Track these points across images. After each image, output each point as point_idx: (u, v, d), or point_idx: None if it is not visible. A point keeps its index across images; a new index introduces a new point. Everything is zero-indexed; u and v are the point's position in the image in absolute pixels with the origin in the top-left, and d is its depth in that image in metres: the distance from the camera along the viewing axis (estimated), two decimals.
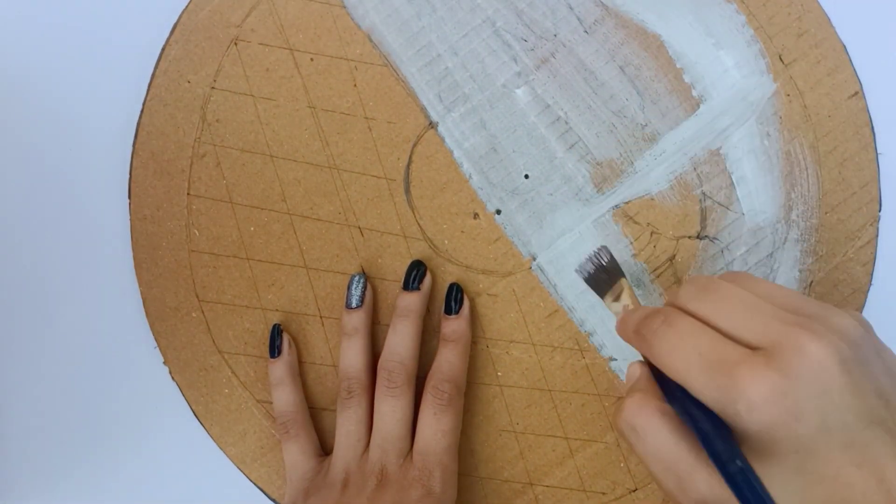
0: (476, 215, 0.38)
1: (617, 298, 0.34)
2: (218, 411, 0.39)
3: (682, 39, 0.38)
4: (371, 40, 0.38)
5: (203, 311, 0.39)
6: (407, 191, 0.39)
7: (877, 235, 0.38)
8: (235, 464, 0.39)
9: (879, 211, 0.38)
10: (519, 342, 0.38)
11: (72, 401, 0.40)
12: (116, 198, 0.39)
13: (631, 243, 0.38)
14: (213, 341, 0.39)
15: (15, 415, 0.40)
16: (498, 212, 0.38)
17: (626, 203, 0.38)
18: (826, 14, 0.38)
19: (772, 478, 0.25)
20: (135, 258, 0.39)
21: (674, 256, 0.38)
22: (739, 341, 0.27)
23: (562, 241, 0.38)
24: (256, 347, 0.39)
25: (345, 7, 0.38)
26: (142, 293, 0.39)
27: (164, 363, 0.40)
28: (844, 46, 0.38)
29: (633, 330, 0.30)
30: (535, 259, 0.38)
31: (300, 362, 0.39)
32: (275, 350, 0.38)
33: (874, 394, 0.26)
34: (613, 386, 0.38)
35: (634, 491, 0.39)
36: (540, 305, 0.38)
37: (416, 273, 0.37)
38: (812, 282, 0.38)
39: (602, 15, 0.38)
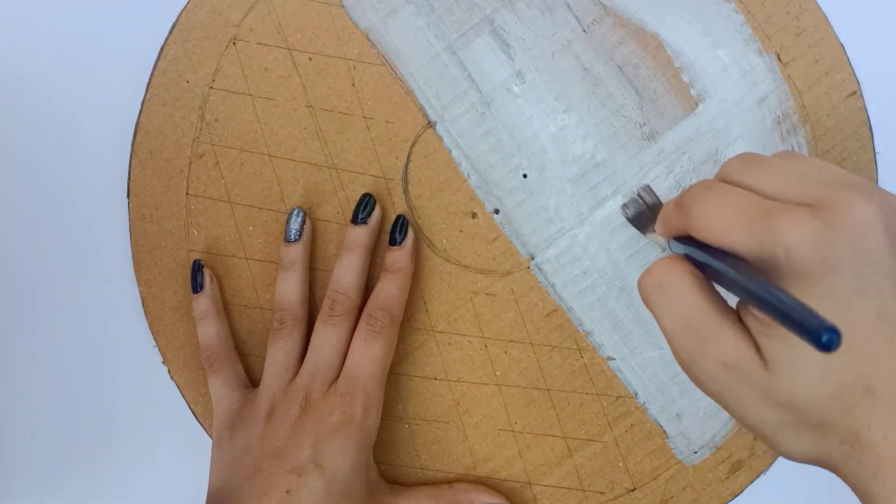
0: (474, 214, 0.39)
1: None
2: None
3: (681, 38, 0.38)
4: (369, 40, 0.38)
5: None
6: (405, 190, 0.39)
7: None
8: None
9: None
10: (517, 341, 0.38)
11: (71, 400, 0.40)
12: (115, 197, 0.39)
13: (628, 241, 0.38)
14: None
15: (14, 415, 0.40)
16: (496, 211, 0.38)
17: (626, 203, 0.38)
18: (824, 13, 0.38)
19: (800, 345, 0.24)
20: (134, 258, 0.39)
21: None
22: (784, 202, 0.25)
23: (560, 241, 0.38)
24: (255, 347, 0.39)
25: (343, 6, 0.38)
26: (141, 292, 0.39)
27: (164, 363, 0.40)
28: (842, 46, 0.38)
29: (675, 203, 0.28)
30: (533, 258, 0.38)
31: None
32: (197, 286, 0.38)
33: None
34: (612, 385, 0.38)
35: (633, 490, 0.39)
36: (538, 305, 0.38)
37: (364, 206, 0.37)
38: None
39: (600, 14, 0.38)
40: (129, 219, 0.39)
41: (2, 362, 0.40)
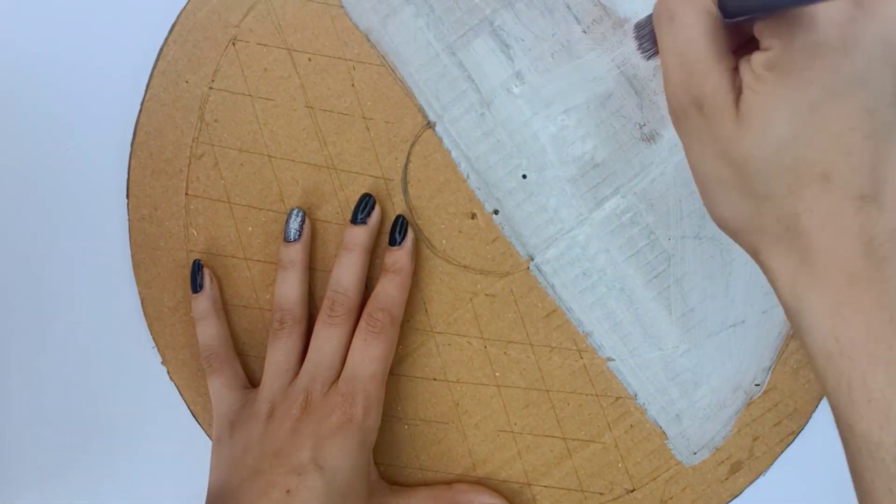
0: (474, 215, 0.38)
1: None
2: None
3: None
4: (369, 40, 0.38)
5: None
6: (405, 191, 0.39)
7: None
8: None
9: None
10: (517, 342, 0.38)
11: (70, 401, 0.40)
12: (115, 198, 0.39)
13: (627, 242, 0.38)
14: None
15: (13, 414, 0.40)
16: (496, 212, 0.38)
17: (626, 202, 0.38)
18: None
19: (787, 96, 0.24)
20: (133, 258, 0.39)
21: (672, 255, 0.38)
22: None
23: (560, 242, 0.38)
24: (254, 348, 0.39)
25: (343, 7, 0.38)
26: (140, 293, 0.39)
27: (163, 363, 0.40)
28: None
29: None
30: (532, 259, 0.38)
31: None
32: (196, 285, 0.38)
33: None
34: (611, 386, 0.38)
35: (632, 491, 0.39)
36: (538, 306, 0.38)
37: (364, 206, 0.37)
38: None
39: (600, 15, 0.38)
40: (129, 219, 0.39)
41: (1, 362, 0.40)
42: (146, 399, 0.40)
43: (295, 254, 0.37)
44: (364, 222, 0.37)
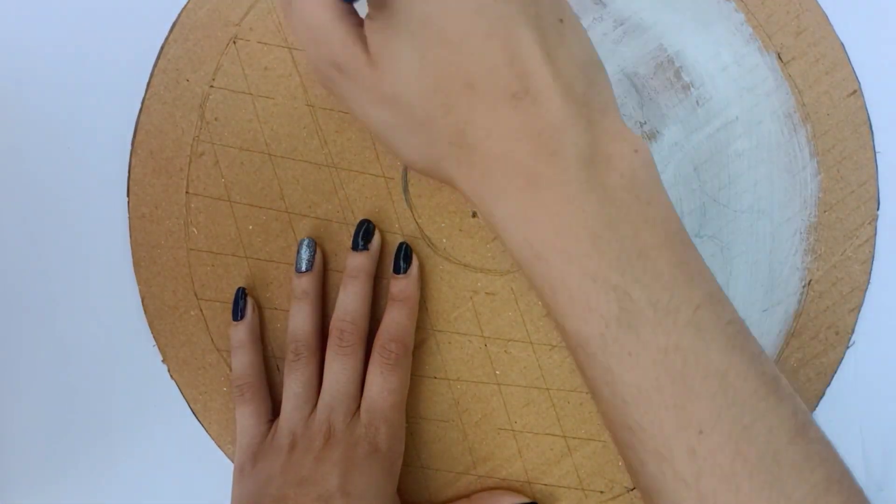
0: (474, 213, 0.39)
1: None
2: (216, 409, 0.39)
3: (681, 37, 0.38)
4: None
5: (202, 310, 0.39)
6: (405, 189, 0.39)
7: (875, 234, 0.38)
8: (233, 461, 0.39)
9: (878, 209, 0.38)
10: (517, 340, 0.38)
11: (70, 399, 0.40)
12: (115, 196, 0.40)
13: None
14: (212, 339, 0.39)
15: (13, 413, 0.40)
16: None
17: None
18: (824, 12, 0.38)
19: (399, 26, 0.25)
20: (133, 256, 0.39)
21: None
22: None
23: None
24: None
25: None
26: (140, 291, 0.39)
27: (163, 361, 0.40)
28: (843, 45, 0.38)
29: None
30: None
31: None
32: (238, 313, 0.38)
33: None
34: None
35: (632, 489, 0.39)
36: (538, 304, 0.38)
37: (364, 232, 0.37)
38: (811, 280, 0.38)
39: (600, 14, 0.38)
40: (129, 217, 0.39)
41: (2, 362, 0.40)
42: (146, 397, 0.40)
43: (307, 285, 0.37)
44: (366, 248, 0.37)
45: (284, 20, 0.28)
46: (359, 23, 0.27)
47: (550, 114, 0.25)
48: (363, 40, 0.27)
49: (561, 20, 0.26)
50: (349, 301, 0.37)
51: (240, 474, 0.36)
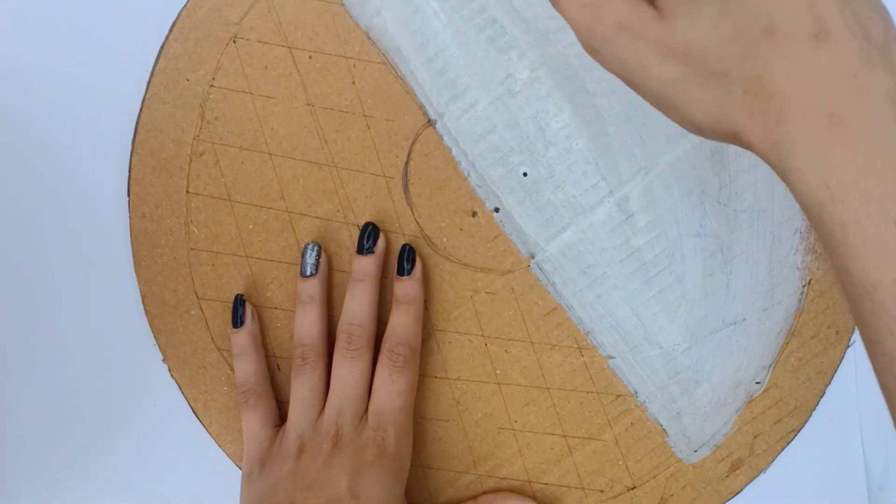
0: (474, 213, 0.39)
1: None
2: (217, 409, 0.39)
3: None
4: (369, 38, 0.38)
5: (202, 309, 0.39)
6: (405, 188, 0.39)
7: None
8: (234, 461, 0.39)
9: None
10: (517, 340, 0.38)
11: (71, 398, 0.40)
12: (115, 195, 0.39)
13: (627, 240, 0.38)
14: (212, 339, 0.39)
15: (13, 413, 0.40)
16: (496, 209, 0.38)
17: (627, 201, 0.38)
18: None
19: None
20: (134, 256, 0.39)
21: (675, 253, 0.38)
22: None
23: (560, 239, 0.38)
24: None
25: (343, 5, 0.38)
26: (141, 291, 0.39)
27: (164, 361, 0.40)
28: None
29: None
30: (533, 257, 0.38)
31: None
32: (237, 320, 0.38)
33: None
34: (611, 384, 0.38)
35: (633, 489, 0.39)
36: (538, 303, 0.38)
37: (368, 235, 0.37)
38: (811, 279, 0.38)
39: None
40: (130, 217, 0.39)
41: (1, 361, 0.40)
42: (147, 397, 0.40)
43: (313, 289, 0.37)
44: (371, 251, 0.37)
45: (553, 3, 0.27)
46: None
47: (854, 54, 0.24)
48: None
49: None
50: (356, 305, 0.37)
51: (248, 480, 0.36)
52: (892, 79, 0.24)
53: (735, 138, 0.27)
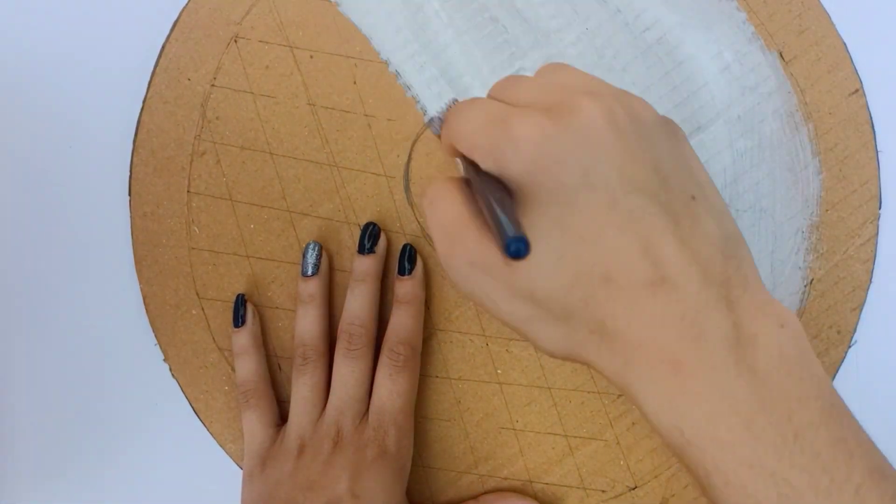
0: None
1: None
2: (218, 409, 0.39)
3: (682, 36, 0.38)
4: (371, 42, 0.38)
5: (203, 309, 0.39)
6: (407, 188, 0.39)
7: (877, 233, 0.38)
8: (235, 461, 0.39)
9: (879, 209, 0.38)
10: (518, 340, 0.38)
11: (72, 398, 0.40)
12: (117, 195, 0.40)
13: None
14: (214, 339, 0.39)
15: (14, 413, 0.40)
16: None
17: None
18: (826, 11, 0.38)
19: (534, 229, 0.25)
20: (135, 255, 0.39)
21: None
22: (525, 108, 0.27)
23: None
24: None
25: (339, 7, 0.38)
26: (142, 290, 0.39)
27: (165, 360, 0.40)
28: (844, 44, 0.38)
29: (445, 120, 0.30)
30: None
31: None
32: (238, 319, 0.38)
33: (649, 166, 0.26)
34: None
35: (634, 489, 0.39)
36: None
37: (370, 235, 0.37)
38: (812, 279, 0.38)
39: (603, 14, 0.38)
40: (131, 216, 0.39)
41: (2, 361, 0.40)
42: (148, 397, 0.40)
43: (314, 288, 0.37)
44: (372, 251, 0.37)
45: (426, 218, 0.29)
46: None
47: (690, 298, 0.25)
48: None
49: (693, 197, 0.26)
50: (357, 305, 0.37)
51: (249, 480, 0.36)
52: (728, 321, 0.24)
53: (592, 367, 0.27)
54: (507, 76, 0.30)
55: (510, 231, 0.22)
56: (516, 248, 0.21)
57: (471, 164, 0.27)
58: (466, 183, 0.28)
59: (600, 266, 0.25)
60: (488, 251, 0.26)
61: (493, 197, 0.24)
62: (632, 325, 0.25)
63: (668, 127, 0.28)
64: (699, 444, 0.24)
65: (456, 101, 0.34)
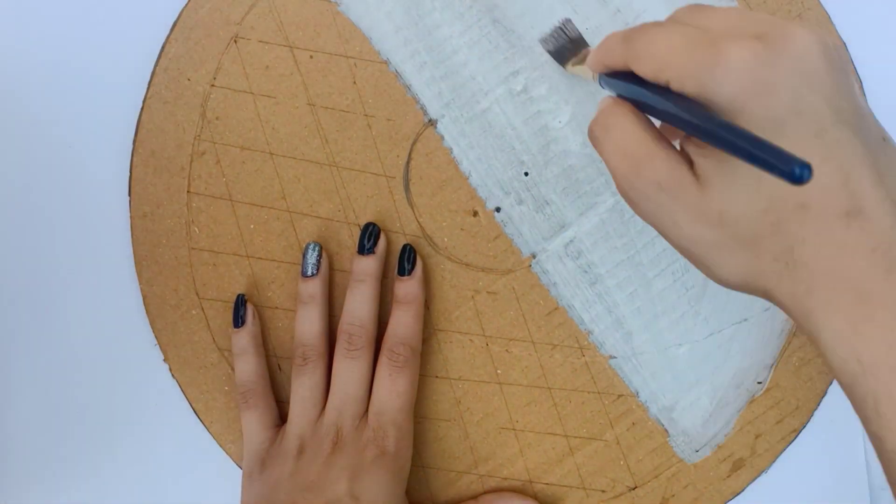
0: (475, 213, 0.38)
1: (581, 61, 0.33)
2: (218, 409, 0.39)
3: None
4: (370, 38, 0.38)
5: (203, 309, 0.39)
6: (406, 188, 0.39)
7: None
8: (235, 461, 0.39)
9: None
10: (518, 340, 0.38)
11: (72, 399, 0.40)
12: (116, 195, 0.39)
13: (628, 240, 0.38)
14: (213, 339, 0.39)
15: (14, 413, 0.40)
16: (497, 209, 0.38)
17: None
18: (826, 11, 0.38)
19: (734, 160, 0.25)
20: (135, 256, 0.39)
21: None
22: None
23: (562, 239, 0.38)
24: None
25: (339, 7, 0.38)
26: (142, 291, 0.39)
27: (165, 361, 0.40)
28: (844, 44, 0.38)
29: (622, 36, 0.29)
30: (534, 257, 0.38)
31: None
32: (238, 320, 0.38)
33: (853, 101, 0.26)
34: (613, 384, 0.38)
35: (634, 489, 0.39)
36: (539, 303, 0.38)
37: (369, 235, 0.37)
38: None
39: (604, 15, 0.38)
40: (131, 217, 0.39)
41: (2, 361, 0.40)
42: (148, 397, 0.40)
43: (314, 288, 0.37)
44: (372, 251, 0.37)
45: (599, 146, 0.29)
46: (671, 146, 0.28)
47: (884, 233, 0.25)
48: (688, 160, 0.27)
49: (884, 139, 0.27)
50: (357, 305, 0.37)
51: (248, 480, 0.36)
52: None
53: (765, 296, 0.28)
54: (690, 4, 0.29)
55: (788, 157, 0.21)
56: (801, 173, 0.21)
57: (648, 87, 0.27)
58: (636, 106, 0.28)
59: (798, 192, 0.25)
60: (679, 170, 0.26)
61: (726, 122, 0.23)
62: (821, 252, 0.25)
63: (855, 74, 0.28)
64: (876, 373, 0.24)
65: (569, 20, 0.35)
